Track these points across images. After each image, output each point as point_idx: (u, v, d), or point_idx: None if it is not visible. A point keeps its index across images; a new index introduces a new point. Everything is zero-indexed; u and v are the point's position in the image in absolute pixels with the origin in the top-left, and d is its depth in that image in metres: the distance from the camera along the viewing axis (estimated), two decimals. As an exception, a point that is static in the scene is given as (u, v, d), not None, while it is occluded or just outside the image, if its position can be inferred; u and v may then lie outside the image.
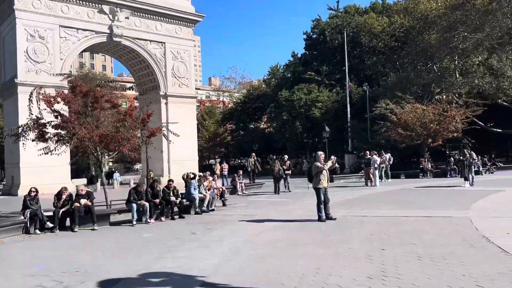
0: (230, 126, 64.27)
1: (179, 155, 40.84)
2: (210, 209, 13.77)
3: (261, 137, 55.84)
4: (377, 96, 36.79)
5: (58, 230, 10.77)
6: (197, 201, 13.09)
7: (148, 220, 11.61)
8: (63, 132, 14.13)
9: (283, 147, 49.70)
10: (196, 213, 13.06)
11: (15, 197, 27.06)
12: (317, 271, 5.80)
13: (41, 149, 14.70)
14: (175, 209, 12.62)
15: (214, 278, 5.65)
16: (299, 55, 55.50)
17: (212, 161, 68.58)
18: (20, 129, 14.42)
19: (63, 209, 10.95)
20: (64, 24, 34.38)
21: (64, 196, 11.10)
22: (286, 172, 19.98)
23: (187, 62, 43.29)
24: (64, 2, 34.30)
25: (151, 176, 35.33)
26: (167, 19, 40.76)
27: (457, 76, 34.55)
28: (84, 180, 51.04)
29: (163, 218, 12.03)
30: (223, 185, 23.71)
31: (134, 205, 11.49)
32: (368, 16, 47.72)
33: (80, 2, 35.18)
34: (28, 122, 13.79)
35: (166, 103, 41.43)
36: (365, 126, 38.22)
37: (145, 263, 6.73)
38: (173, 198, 12.40)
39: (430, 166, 27.79)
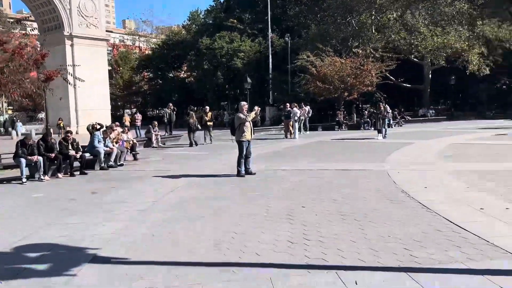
0: (147, 74, 60.56)
1: (88, 104, 37.52)
2: (119, 164, 12.44)
3: (181, 87, 53.46)
4: (298, 48, 36.55)
5: None
6: (102, 155, 11.66)
7: (42, 177, 10.04)
8: None
9: (203, 98, 48.16)
10: (101, 168, 11.68)
11: None
12: (233, 235, 5.11)
13: None
14: (77, 164, 11.13)
15: (108, 250, 4.68)
16: (221, 0, 52.87)
17: (127, 111, 64.75)
18: None
19: None
20: None
21: None
22: (208, 123, 19.02)
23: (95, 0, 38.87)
24: None
25: (61, 125, 31.91)
26: None
27: (373, 31, 35.38)
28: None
29: (60, 175, 10.51)
30: (136, 137, 22.16)
31: (23, 160, 9.79)
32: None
33: None
34: None
35: (72, 45, 37.27)
36: (285, 79, 38.08)
37: (27, 232, 5.52)
38: (72, 152, 10.84)
39: (344, 119, 28.59)
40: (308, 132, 24.42)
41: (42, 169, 10.07)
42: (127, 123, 28.84)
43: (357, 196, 7.15)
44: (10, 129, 38.54)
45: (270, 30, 40.93)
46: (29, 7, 39.30)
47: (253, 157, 10.20)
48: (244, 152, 9.52)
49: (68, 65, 35.30)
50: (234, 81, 44.40)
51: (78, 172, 10.97)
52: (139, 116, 24.66)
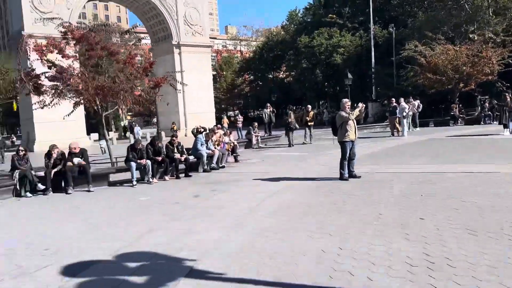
0: (248, 77, 62.17)
1: (195, 108, 39.66)
2: (220, 166, 12.57)
3: (280, 87, 53.76)
4: (404, 38, 34.00)
5: (51, 192, 9.81)
6: (204, 158, 11.87)
7: (150, 180, 10.51)
8: (59, 84, 12.92)
9: (302, 97, 47.76)
10: (204, 170, 11.89)
11: (31, 153, 26.55)
12: (339, 251, 4.51)
13: (35, 103, 13.61)
14: (182, 166, 11.46)
15: (205, 263, 4.43)
16: (320, -3, 51.83)
17: (230, 113, 67.28)
18: (17, 83, 13.32)
19: (55, 170, 9.91)
20: (70, -29, 32.39)
21: (54, 155, 10.02)
22: (309, 123, 18.52)
23: (199, 8, 40.90)
24: None
25: (174, 128, 34.18)
26: (174, -40, 38.09)
27: (491, 14, 31.26)
28: (112, 134, 50.97)
29: (167, 177, 10.91)
30: (238, 138, 22.58)
31: (133, 164, 10.34)
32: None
33: None
34: (21, 74, 12.58)
35: (180, 53, 39.74)
36: (390, 72, 35.75)
37: (131, 238, 5.59)
38: (177, 155, 11.20)
39: (460, 113, 25.68)
40: (418, 128, 22.44)
41: (150, 172, 10.54)
42: (225, 125, 29.70)
43: (486, 206, 5.99)
44: (128, 133, 42.55)
45: (372, 22, 38.84)
46: (141, 20, 42.91)
47: (357, 157, 9.39)
48: (348, 154, 8.78)
49: (175, 71, 37.77)
50: (334, 78, 43.13)
51: (183, 175, 11.28)
52: (240, 118, 25.14)
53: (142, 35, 69.03)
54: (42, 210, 8.31)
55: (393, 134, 19.62)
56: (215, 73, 65.46)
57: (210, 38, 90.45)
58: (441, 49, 25.54)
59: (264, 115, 20.59)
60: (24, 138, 35.57)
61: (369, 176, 9.06)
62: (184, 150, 11.57)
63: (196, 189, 9.28)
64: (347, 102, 8.80)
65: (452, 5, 33.41)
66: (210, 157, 12.24)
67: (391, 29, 36.20)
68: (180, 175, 11.21)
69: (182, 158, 11.21)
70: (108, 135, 33.75)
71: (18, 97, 35.82)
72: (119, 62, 13.61)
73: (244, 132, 20.60)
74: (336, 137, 8.98)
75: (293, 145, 18.05)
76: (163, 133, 39.27)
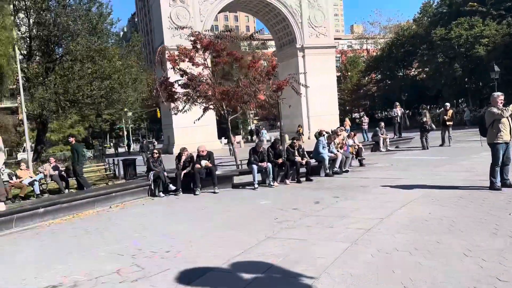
0: (375, 76, 59.26)
1: (318, 110, 39.16)
2: (344, 170, 11.82)
3: (411, 85, 49.86)
4: None
5: (181, 193, 10.34)
6: (326, 161, 11.27)
7: (272, 183, 10.34)
8: (190, 91, 13.74)
9: (437, 95, 43.47)
10: (326, 175, 11.29)
11: (171, 155, 29.17)
12: (496, 283, 3.53)
13: (170, 109, 14.70)
14: (304, 170, 11.07)
15: (325, 283, 3.89)
16: (457, -15, 46.69)
17: (356, 114, 65.01)
18: (154, 92, 14.60)
19: (184, 171, 10.42)
20: (202, -15, 34.93)
21: (183, 157, 10.55)
22: (448, 123, 16.53)
23: (324, 9, 40.30)
24: (201, -37, 34.68)
25: (301, 131, 34.19)
26: (301, -36, 38.20)
27: None
28: (238, 138, 54.01)
29: (287, 181, 10.62)
30: (364, 140, 21.31)
31: (255, 167, 10.30)
32: None
33: (217, -41, 35.11)
34: (156, 84, 13.73)
35: (303, 56, 39.69)
36: (550, 62, 30.17)
37: (247, 245, 5.35)
38: (298, 158, 10.82)
39: None
40: None
41: (271, 175, 10.38)
42: (348, 127, 28.39)
43: None
44: (255, 136, 44.12)
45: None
46: (267, 26, 44.09)
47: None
48: (501, 158, 7.28)
49: (299, 73, 37.75)
50: (476, 72, 38.24)
51: (304, 179, 10.87)
52: (365, 119, 23.74)
53: (267, 42, 71.41)
54: (171, 210, 8.73)
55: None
56: (339, 74, 64.06)
57: (334, 38, 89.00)
58: None
59: (395, 115, 18.95)
60: (165, 142, 39.48)
61: (529, 187, 7.40)
62: (305, 153, 11.14)
63: (317, 194, 8.76)
64: (499, 96, 7.28)
65: None
66: (332, 160, 11.60)
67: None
68: (301, 179, 10.82)
69: (303, 162, 10.80)
70: (235, 139, 35.61)
71: (160, 106, 39.91)
72: (244, 67, 13.90)
73: (370, 134, 19.35)
74: (485, 138, 7.53)
75: (428, 148, 16.28)
76: (286, 136, 39.75)
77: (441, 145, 16.68)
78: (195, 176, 10.18)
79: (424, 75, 48.69)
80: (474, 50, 35.60)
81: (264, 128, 52.57)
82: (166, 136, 38.78)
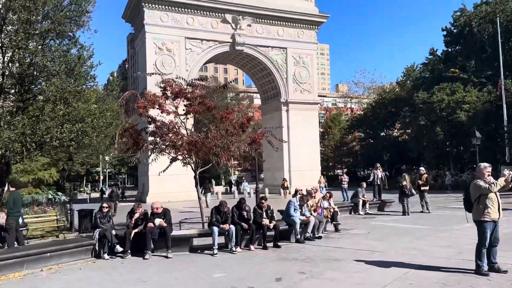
0: (359, 134, 59.68)
1: (300, 164, 38.51)
2: (317, 236, 10.74)
3: (394, 145, 50.06)
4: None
5: (130, 255, 9.06)
6: (297, 226, 10.20)
7: (234, 249, 9.16)
8: (157, 140, 12.81)
9: (419, 157, 43.42)
10: (297, 240, 10.17)
11: (144, 204, 27.62)
12: None
13: (135, 159, 13.68)
14: (272, 233, 9.95)
15: None
16: (439, 52, 48.41)
17: (338, 171, 64.63)
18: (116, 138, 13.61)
19: (135, 230, 9.22)
20: (189, 35, 35.18)
21: (137, 214, 9.39)
22: (423, 188, 15.84)
23: (309, 67, 40.88)
24: (189, 14, 35.13)
25: (285, 185, 32.78)
26: (289, 23, 39.16)
27: None
28: (217, 188, 52.47)
29: (252, 247, 9.45)
30: (344, 200, 20.37)
31: (216, 229, 9.15)
32: (527, 0, 38.99)
33: (204, 12, 35.68)
34: (119, 130, 12.78)
35: (287, 110, 39.64)
36: (529, 131, 30.44)
37: None
38: (265, 221, 9.75)
39: None
40: None
41: (234, 239, 9.23)
42: (322, 185, 27.38)
43: None
44: (234, 188, 42.82)
45: (502, 76, 34.27)
46: (253, 79, 44.37)
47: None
48: (488, 239, 6.37)
49: (282, 127, 37.39)
50: (457, 137, 38.49)
51: (272, 244, 9.73)
52: (345, 178, 22.92)
53: (253, 95, 72.15)
54: (109, 279, 7.44)
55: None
56: (323, 130, 64.41)
57: (320, 96, 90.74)
58: None
59: (374, 177, 18.18)
60: (139, 190, 37.89)
61: (520, 272, 6.44)
62: (274, 215, 10.07)
63: (281, 267, 7.62)
64: (486, 167, 6.48)
65: None
66: (304, 224, 10.55)
67: (528, 82, 31.27)
68: (269, 244, 9.67)
69: (271, 225, 9.71)
70: (213, 189, 34.28)
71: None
72: (216, 117, 13.14)
73: (350, 194, 18.46)
74: (471, 214, 6.63)
75: (409, 214, 15.40)
76: (266, 190, 38.65)
77: (422, 211, 15.86)
78: (146, 236, 8.96)
79: (406, 137, 49.07)
80: (456, 115, 36.00)
81: (245, 180, 51.42)
82: (141, 184, 37.27)
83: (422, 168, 17.11)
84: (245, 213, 9.66)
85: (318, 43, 43.90)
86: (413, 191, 15.76)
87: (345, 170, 63.32)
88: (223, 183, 58.96)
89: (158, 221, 9.18)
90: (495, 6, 41.71)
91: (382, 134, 55.26)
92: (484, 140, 33.03)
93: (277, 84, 39.75)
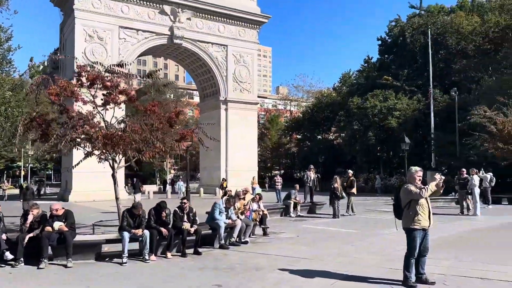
0: (296, 137, 60.43)
1: (237, 164, 37.85)
2: (243, 240, 9.99)
3: (329, 148, 51.14)
4: (467, 104, 30.91)
5: (22, 264, 7.70)
6: (222, 230, 9.38)
7: (147, 257, 8.11)
8: (68, 131, 11.37)
9: (352, 160, 44.66)
10: (221, 246, 9.34)
11: (66, 203, 25.32)
12: None
13: (45, 151, 12.13)
14: (193, 238, 9.02)
15: None
16: (374, 60, 50.29)
17: (276, 172, 65.00)
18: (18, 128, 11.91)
19: (30, 235, 7.87)
20: (124, 25, 33.16)
21: (31, 217, 8.03)
22: (351, 191, 15.80)
23: (249, 66, 40.41)
24: (124, 2, 33.10)
25: (224, 185, 31.42)
26: (230, 21, 38.34)
27: None
28: (151, 187, 50.15)
29: (169, 254, 8.46)
30: (277, 201, 19.95)
31: (126, 234, 8.06)
32: (456, 14, 41.57)
33: (141, 2, 33.84)
34: (24, 120, 11.17)
35: (226, 109, 38.84)
36: (452, 139, 32.22)
37: None
38: (186, 225, 8.81)
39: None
40: (490, 206, 18.73)
41: (147, 246, 8.18)
42: (255, 186, 26.87)
43: None
44: (168, 187, 41.08)
45: (431, 86, 36.14)
46: (192, 76, 43.05)
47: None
48: (417, 248, 5.96)
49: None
50: (388, 142, 40.03)
51: (193, 251, 8.81)
52: (279, 179, 22.54)
53: (193, 92, 70.48)
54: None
55: (462, 212, 16.19)
56: (263, 131, 64.48)
57: (261, 97, 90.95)
58: (516, 115, 22.16)
59: (306, 178, 17.90)
60: (62, 187, 35.07)
61: (446, 282, 6.13)
62: (197, 218, 9.16)
63: (195, 279, 6.75)
64: (417, 171, 6.06)
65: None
66: (230, 228, 9.77)
67: (453, 93, 33.14)
68: (189, 251, 8.74)
69: (192, 230, 8.78)
70: (143, 188, 32.44)
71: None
72: (139, 108, 11.99)
73: (283, 195, 18.03)
74: (400, 221, 6.20)
75: (339, 217, 15.24)
76: (201, 190, 37.50)
77: (348, 214, 15.84)
78: (42, 242, 7.65)
79: (341, 140, 50.35)
80: (387, 121, 37.33)
81: (181, 179, 49.76)
82: (64, 181, 34.47)
83: (350, 171, 17.11)
84: (164, 216, 8.63)
85: (261, 44, 43.66)
86: (344, 194, 15.65)
87: (282, 171, 63.93)
88: (157, 182, 56.78)
89: (57, 224, 7.89)
90: (427, 18, 44.07)
91: (318, 137, 56.34)
92: (413, 146, 34.53)
93: (217, 81, 38.83)
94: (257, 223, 11.22)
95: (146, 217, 8.62)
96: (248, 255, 8.66)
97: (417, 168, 6.10)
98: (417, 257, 6.02)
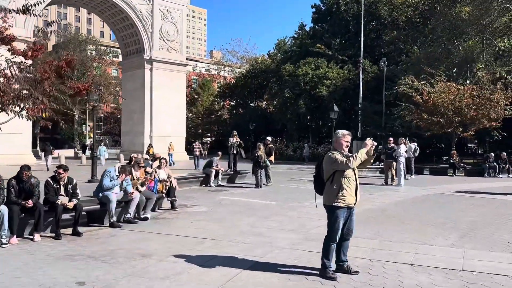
0: (229, 103, 58.71)
1: (163, 130, 35.45)
2: (142, 216, 8.36)
3: (261, 116, 50.21)
4: (395, 75, 31.23)
5: None
6: (113, 204, 7.62)
7: (4, 240, 6.21)
8: None
9: (283, 129, 44.19)
10: (111, 224, 7.62)
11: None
12: None
13: None
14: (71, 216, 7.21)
15: None
16: (307, 28, 49.39)
17: (208, 139, 63.17)
18: None
19: None
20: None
21: None
22: (269, 158, 14.71)
23: (178, 24, 37.47)
24: None
25: (151, 152, 28.17)
26: (157, -31, 34.87)
27: (489, 57, 28.68)
28: (68, 151, 45.94)
29: (37, 236, 6.60)
30: (195, 168, 18.38)
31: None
32: (389, -16, 41.55)
33: None
34: None
35: (151, 69, 35.89)
36: (379, 109, 32.58)
37: None
38: (62, 200, 6.96)
39: (460, 162, 22.22)
40: (413, 176, 18.77)
41: (5, 227, 6.26)
42: (172, 152, 24.93)
43: None
44: (88, 152, 37.72)
45: (362, 56, 36.04)
46: (113, 30, 39.14)
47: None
48: (339, 231, 4.77)
49: (144, 87, 33.48)
50: (318, 111, 39.86)
51: (71, 231, 7.02)
52: (197, 145, 20.90)
53: (118, 50, 65.25)
54: None
55: (386, 182, 15.85)
56: (195, 96, 61.78)
57: (193, 60, 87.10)
58: (442, 86, 22.38)
59: (229, 145, 16.42)
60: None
61: (372, 271, 5.06)
62: (78, 191, 7.31)
63: (54, 274, 5.04)
64: (345, 135, 4.78)
65: (446, 46, 30.70)
66: (125, 202, 8.06)
67: (382, 63, 33.26)
68: (64, 232, 6.95)
69: (70, 205, 6.96)
70: (54, 153, 29.24)
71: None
72: (16, 52, 9.58)
73: (202, 163, 16.48)
74: (322, 197, 4.95)
75: (261, 187, 14.12)
76: (122, 156, 34.74)
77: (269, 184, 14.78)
78: None
79: (272, 108, 49.61)
80: (318, 89, 36.90)
81: (102, 144, 46.15)
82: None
83: (269, 138, 15.91)
84: (29, 187, 6.69)
85: (196, 6, 40.76)
86: (268, 161, 14.50)
87: (213, 138, 62.16)
88: (77, 146, 52.46)
89: None
90: (361, -14, 43.70)
91: (252, 104, 55.14)
92: (341, 115, 34.54)
93: (141, 38, 35.58)
94: (164, 195, 9.58)
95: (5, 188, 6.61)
96: (141, 236, 7.06)
97: (345, 132, 4.79)
98: (339, 241, 4.82)
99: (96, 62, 57.05)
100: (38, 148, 43.52)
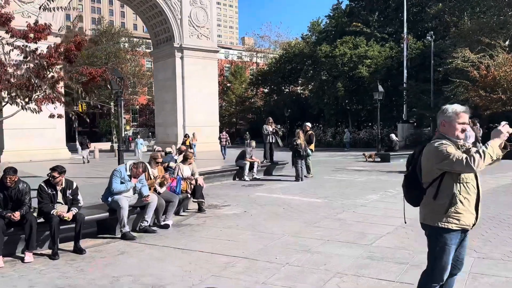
0: (263, 90, 56.91)
1: (196, 120, 34.29)
2: (163, 224, 6.92)
3: (296, 101, 48.20)
4: (443, 50, 28.34)
5: None
6: (124, 212, 6.18)
7: (-16, 263, 4.94)
8: None
9: (319, 114, 41.99)
10: (123, 236, 6.23)
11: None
12: None
13: None
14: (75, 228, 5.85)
15: None
16: (343, 5, 46.63)
17: (241, 128, 61.84)
18: None
19: None
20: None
21: None
22: (310, 147, 12.98)
23: (207, 9, 35.96)
24: None
25: (187, 143, 26.86)
26: (184, -46, 33.43)
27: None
28: (104, 145, 45.95)
29: (28, 256, 5.27)
30: (224, 158, 16.84)
31: None
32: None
33: None
34: None
35: (182, 57, 34.69)
36: (427, 88, 29.82)
37: None
38: (60, 209, 5.59)
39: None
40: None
41: (-13, 245, 4.98)
42: (194, 141, 23.50)
43: None
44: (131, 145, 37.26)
45: (405, 30, 33.18)
46: (142, 20, 38.26)
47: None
48: (449, 263, 2.99)
49: (176, 76, 32.38)
50: (357, 94, 37.34)
51: (73, 247, 5.67)
52: (224, 135, 19.46)
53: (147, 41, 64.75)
54: None
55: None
56: (228, 84, 60.44)
57: (225, 48, 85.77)
58: (504, 58, 19.64)
59: (264, 134, 14.68)
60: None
61: None
62: (79, 198, 5.93)
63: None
64: (459, 114, 2.85)
65: (499, 15, 27.37)
66: (141, 208, 6.64)
67: (429, 37, 30.34)
68: (63, 249, 5.60)
69: (68, 216, 5.59)
70: (90, 146, 28.87)
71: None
72: (16, 34, 8.32)
73: (228, 152, 14.89)
74: (417, 209, 3.17)
75: (302, 179, 12.45)
76: (158, 148, 33.93)
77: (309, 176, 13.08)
78: None
79: (308, 92, 47.47)
80: (358, 70, 34.48)
81: (139, 136, 45.83)
82: (-5, 139, 30.11)
83: (308, 124, 14.11)
84: (16, 195, 5.36)
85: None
86: (309, 150, 12.78)
87: (248, 127, 60.70)
88: (114, 139, 52.58)
89: None
90: (400, -40, 40.37)
91: (286, 90, 53.14)
92: (384, 97, 32.07)
93: (170, 26, 34.40)
94: (189, 195, 8.12)
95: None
96: (158, 253, 5.58)
97: (458, 108, 2.95)
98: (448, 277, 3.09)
99: (129, 54, 56.72)
100: (76, 142, 43.73)
